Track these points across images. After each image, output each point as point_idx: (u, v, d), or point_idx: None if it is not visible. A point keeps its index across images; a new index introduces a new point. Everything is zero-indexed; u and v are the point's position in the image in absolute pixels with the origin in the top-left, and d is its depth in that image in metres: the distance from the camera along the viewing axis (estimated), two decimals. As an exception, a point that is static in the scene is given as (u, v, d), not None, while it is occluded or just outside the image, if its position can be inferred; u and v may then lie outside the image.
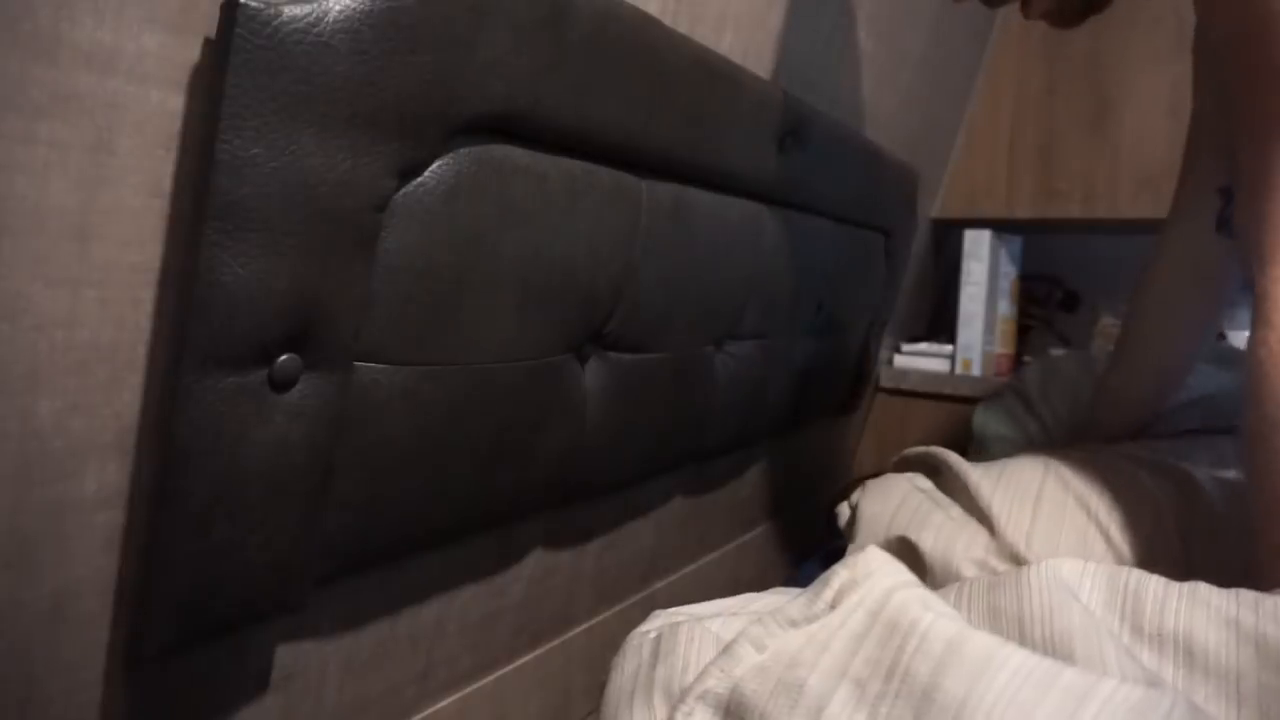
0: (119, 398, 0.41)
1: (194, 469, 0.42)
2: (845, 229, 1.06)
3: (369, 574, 0.59)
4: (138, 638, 0.44)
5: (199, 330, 0.40)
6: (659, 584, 1.01)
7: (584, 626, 0.89)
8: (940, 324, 1.67)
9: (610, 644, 0.91)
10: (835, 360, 1.18)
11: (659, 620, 0.45)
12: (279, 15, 0.38)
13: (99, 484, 0.42)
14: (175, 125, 0.39)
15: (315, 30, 0.39)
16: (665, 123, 0.64)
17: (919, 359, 1.54)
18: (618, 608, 0.94)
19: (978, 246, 1.45)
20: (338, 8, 0.40)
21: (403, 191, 0.48)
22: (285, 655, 0.56)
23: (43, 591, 0.41)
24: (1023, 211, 1.46)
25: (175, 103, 0.39)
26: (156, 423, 0.42)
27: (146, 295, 0.41)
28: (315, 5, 0.39)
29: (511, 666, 0.80)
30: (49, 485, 0.40)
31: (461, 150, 0.51)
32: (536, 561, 0.78)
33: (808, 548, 1.40)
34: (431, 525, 0.61)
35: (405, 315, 0.51)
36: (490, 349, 0.57)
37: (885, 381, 1.54)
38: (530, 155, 0.55)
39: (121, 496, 0.43)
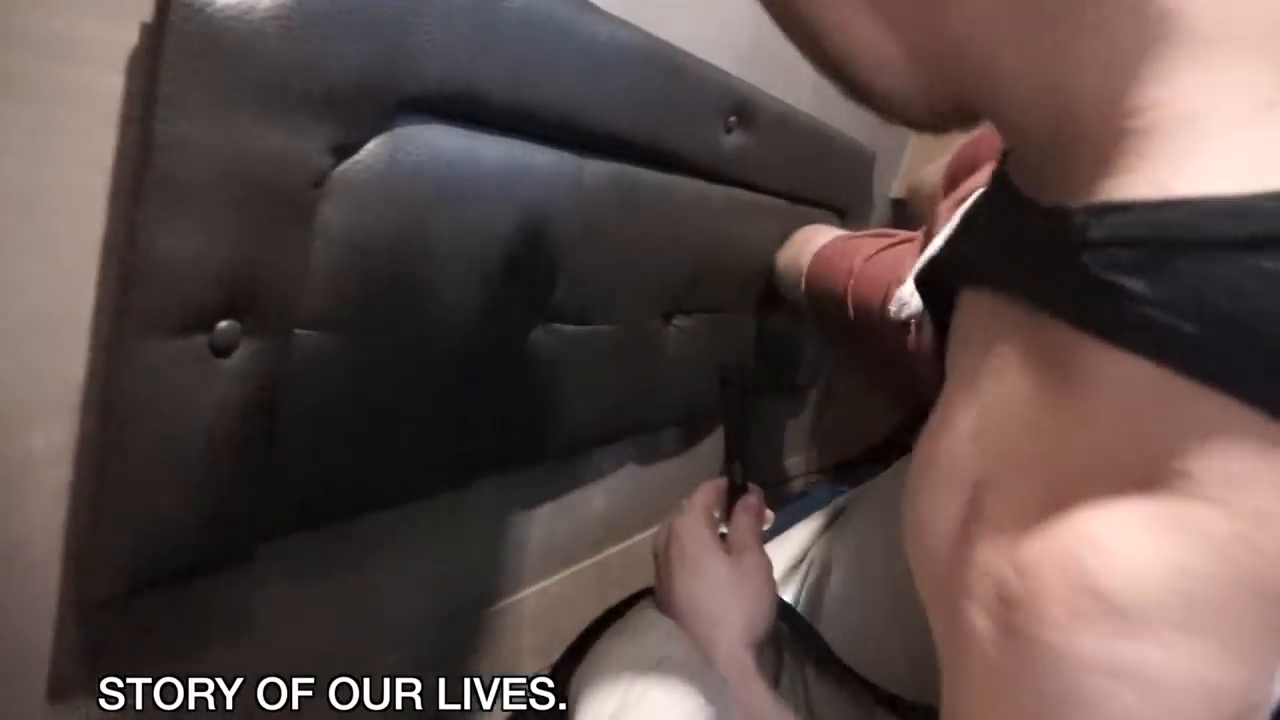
0: (65, 360, 0.44)
1: (137, 428, 0.45)
2: (798, 208, 1.09)
3: (318, 532, 0.62)
4: (85, 586, 0.47)
5: (139, 299, 0.43)
6: (612, 549, 1.05)
7: (536, 588, 0.93)
8: (901, 302, 1.70)
9: (563, 606, 0.96)
10: (789, 336, 1.21)
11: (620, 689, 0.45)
12: (211, 3, 0.40)
13: (46, 441, 0.45)
14: (115, 105, 0.42)
15: (247, 17, 0.42)
16: (604, 104, 0.67)
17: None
18: (569, 571, 0.98)
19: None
20: (269, -5, 0.43)
21: (339, 169, 0.51)
22: (235, 607, 0.59)
23: (-6, 540, 0.44)
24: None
25: (115, 84, 0.42)
26: (101, 385, 0.45)
27: (90, 264, 0.44)
28: (247, -7, 0.42)
29: (462, 624, 0.83)
30: (-1, 441, 0.43)
31: (398, 130, 0.53)
32: (486, 524, 0.82)
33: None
34: (378, 487, 0.64)
35: (344, 286, 0.54)
36: (431, 320, 0.60)
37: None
38: (467, 135, 0.58)
39: (69, 453, 0.46)
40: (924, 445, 0.33)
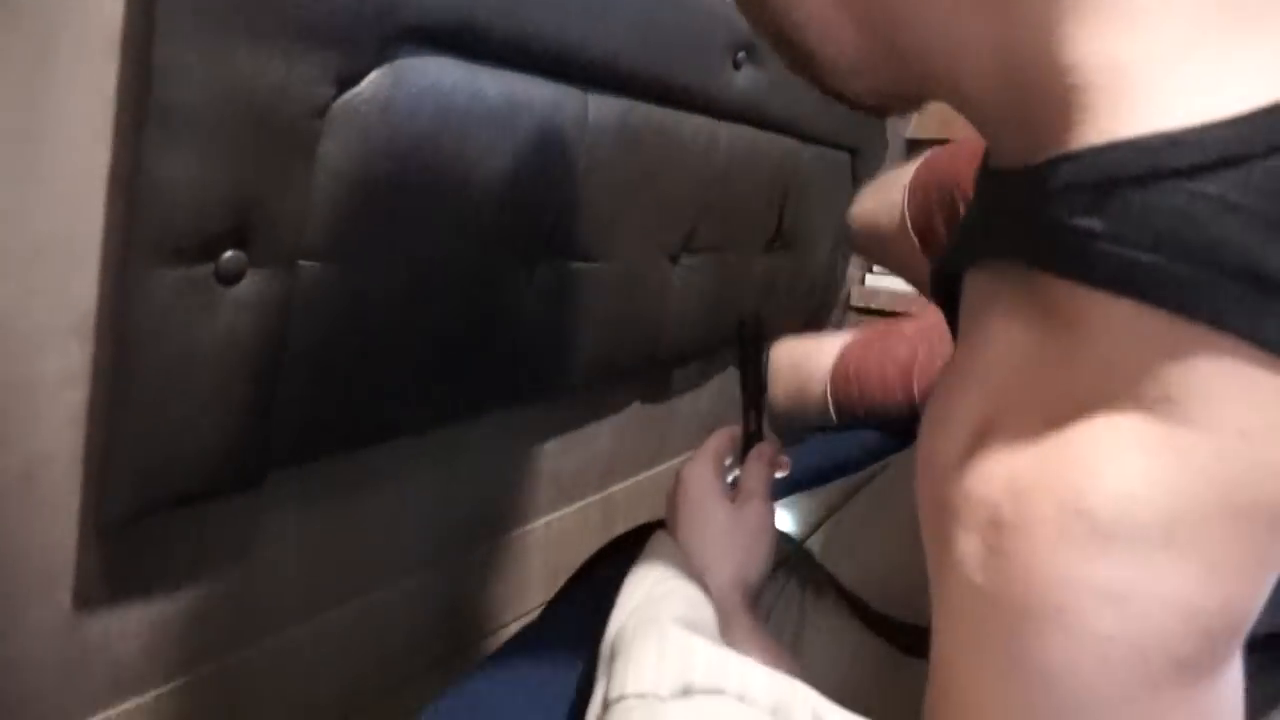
0: (76, 286, 0.45)
1: (147, 355, 0.47)
2: (808, 147, 1.09)
3: (325, 459, 0.64)
4: (101, 504, 0.49)
5: (144, 227, 0.44)
6: (617, 486, 1.07)
7: (542, 521, 0.95)
8: (914, 245, 1.69)
9: (568, 540, 0.98)
10: (798, 276, 1.21)
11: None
12: (207, -71, 0.41)
13: (62, 364, 0.46)
14: (116, 32, 0.42)
15: (243, -57, 0.42)
16: (608, 38, 0.67)
17: (891, 278, 1.57)
18: (575, 505, 1.00)
19: (950, 168, 1.47)
20: (266, -78, 0.43)
21: (340, 100, 0.51)
22: (246, 530, 0.62)
23: (13, 460, 0.46)
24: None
25: (115, 10, 0.42)
26: (111, 311, 0.46)
27: (98, 191, 0.45)
28: (243, -81, 0.42)
29: (469, 555, 0.86)
30: (14, 364, 0.44)
31: (399, 61, 0.53)
32: (492, 457, 0.84)
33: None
34: (384, 418, 0.65)
35: (347, 217, 0.54)
36: (433, 252, 0.61)
37: (856, 300, 1.57)
38: (468, 68, 0.58)
39: (84, 376, 0.47)
40: (936, 394, 0.34)
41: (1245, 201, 0.23)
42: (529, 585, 0.95)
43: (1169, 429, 0.25)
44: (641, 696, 0.36)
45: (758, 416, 0.69)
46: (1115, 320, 0.26)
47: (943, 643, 0.31)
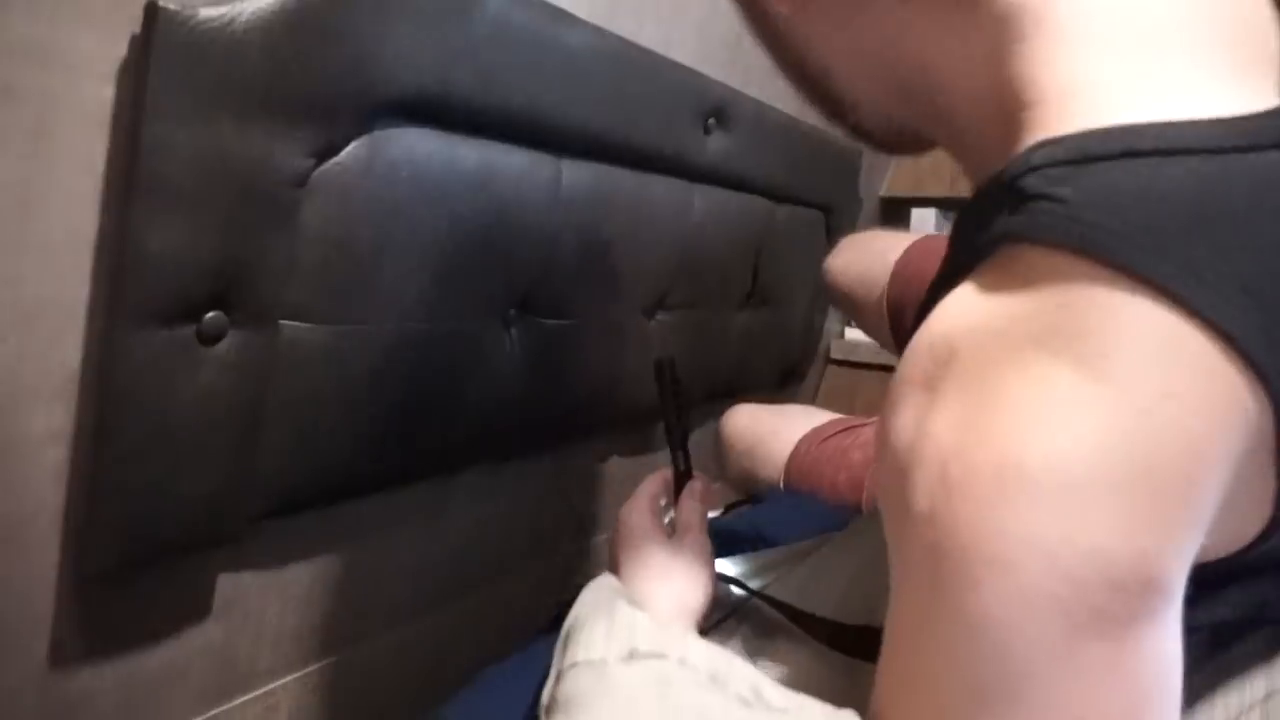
0: (63, 348, 0.48)
1: (129, 412, 0.49)
2: (781, 206, 1.12)
3: (305, 514, 0.65)
4: (82, 559, 0.51)
5: (130, 291, 0.46)
6: (599, 538, 1.08)
7: (519, 575, 0.96)
8: (892, 299, 1.72)
9: (548, 592, 0.99)
10: (775, 332, 1.24)
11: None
12: (194, 17, 0.44)
13: (47, 424, 0.48)
14: (107, 111, 0.45)
15: (229, 30, 0.45)
16: (580, 107, 0.70)
17: (868, 332, 1.60)
18: (556, 558, 1.01)
19: (923, 224, 1.52)
20: (250, 10, 0.46)
21: (320, 169, 0.54)
22: (226, 584, 0.63)
23: (-3, 515, 0.47)
24: (966, 191, 1.51)
25: (106, 91, 0.45)
26: (96, 372, 0.48)
27: (85, 258, 0.47)
28: (229, 7, 0.45)
29: (449, 607, 0.87)
30: (2, 423, 0.46)
31: (377, 133, 0.56)
32: (470, 512, 0.85)
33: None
34: (362, 472, 0.67)
35: (327, 279, 0.57)
36: (411, 312, 0.63)
37: (835, 353, 1.60)
38: (443, 137, 0.61)
39: (68, 435, 0.49)
40: (894, 377, 0.37)
41: (1195, 185, 0.28)
42: (509, 637, 0.95)
43: (1100, 386, 0.27)
44: (590, 663, 0.38)
45: (685, 457, 0.71)
46: (1070, 280, 0.29)
47: (895, 604, 0.33)
